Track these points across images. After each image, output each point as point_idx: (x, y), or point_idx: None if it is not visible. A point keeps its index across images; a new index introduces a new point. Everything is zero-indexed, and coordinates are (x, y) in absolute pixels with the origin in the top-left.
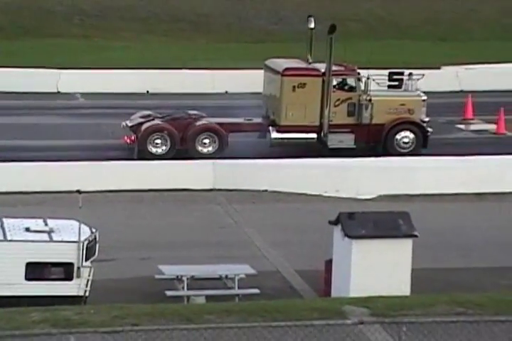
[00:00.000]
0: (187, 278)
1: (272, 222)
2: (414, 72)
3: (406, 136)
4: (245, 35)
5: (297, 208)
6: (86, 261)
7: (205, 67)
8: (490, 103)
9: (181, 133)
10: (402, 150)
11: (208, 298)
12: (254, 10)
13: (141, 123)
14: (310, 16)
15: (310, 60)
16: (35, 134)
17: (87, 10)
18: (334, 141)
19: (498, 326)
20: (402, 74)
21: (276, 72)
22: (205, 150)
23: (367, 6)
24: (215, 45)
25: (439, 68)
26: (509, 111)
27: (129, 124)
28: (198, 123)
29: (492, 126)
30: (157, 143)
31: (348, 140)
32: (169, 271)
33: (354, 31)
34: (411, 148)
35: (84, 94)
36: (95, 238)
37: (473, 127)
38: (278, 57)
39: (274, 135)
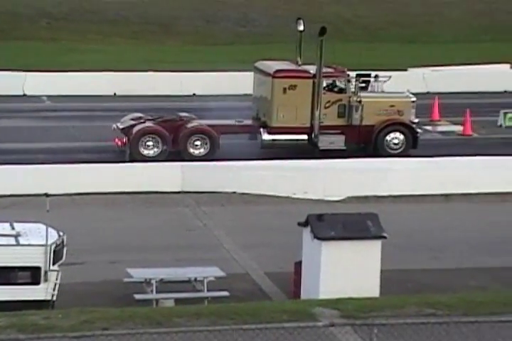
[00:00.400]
0: (156, 281)
1: (240, 224)
2: (381, 73)
3: (396, 137)
4: (214, 37)
5: (266, 210)
6: (53, 264)
7: (173, 69)
8: (456, 104)
9: (173, 135)
10: (392, 151)
11: (177, 301)
12: (223, 12)
13: (133, 126)
14: (299, 19)
15: (300, 62)
16: (2, 137)
17: (54, 13)
18: (325, 142)
19: (467, 327)
20: (369, 76)
21: (267, 74)
22: (196, 152)
23: (334, 8)
24: (183, 48)
25: (405, 70)
26: (475, 113)
27: (120, 127)
28: (190, 125)
29: (459, 128)
30: (148, 145)
31: (338, 141)
32: (138, 274)
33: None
34: (401, 149)
35: (50, 97)
36: (63, 241)
37: (440, 128)
38: (248, 60)
39: (265, 136)
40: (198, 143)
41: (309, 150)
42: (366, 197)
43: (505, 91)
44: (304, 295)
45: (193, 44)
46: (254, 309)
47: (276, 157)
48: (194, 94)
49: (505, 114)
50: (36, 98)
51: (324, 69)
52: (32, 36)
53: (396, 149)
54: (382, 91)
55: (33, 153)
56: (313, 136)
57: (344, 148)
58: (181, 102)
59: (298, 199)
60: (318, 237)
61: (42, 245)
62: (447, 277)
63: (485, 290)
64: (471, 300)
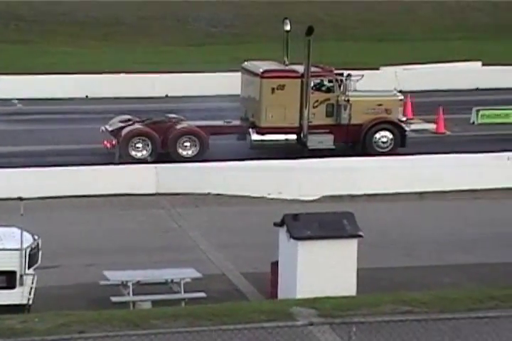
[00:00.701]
0: (132, 284)
1: (216, 225)
2: (353, 72)
3: (384, 136)
4: (185, 38)
5: (241, 211)
6: (29, 268)
7: (146, 70)
8: (429, 102)
9: (162, 136)
10: (381, 150)
11: (154, 302)
12: (194, 13)
13: (122, 128)
14: (286, 19)
15: (287, 62)
16: None
17: (23, 15)
18: (314, 141)
19: (445, 324)
20: (341, 74)
21: (255, 75)
22: (186, 153)
23: (306, 7)
24: (155, 49)
25: (377, 69)
26: (448, 111)
27: (109, 129)
28: (179, 126)
29: (432, 126)
30: (138, 147)
31: (327, 140)
32: (114, 276)
33: (293, 33)
34: (389, 148)
35: (22, 100)
36: (38, 245)
37: (413, 127)
38: (217, 60)
39: (255, 137)
40: (187, 144)
41: (298, 150)
42: (341, 197)
43: (477, 89)
44: (281, 295)
45: (164, 45)
46: (232, 309)
47: (266, 157)
48: (167, 96)
49: (478, 111)
50: (7, 101)
51: (312, 69)
52: (1, 39)
53: (385, 148)
54: (370, 90)
55: (5, 157)
56: (302, 135)
57: (333, 147)
58: (155, 104)
59: (273, 199)
60: (295, 237)
61: (17, 249)
62: (422, 274)
63: (459, 287)
64: (446, 297)
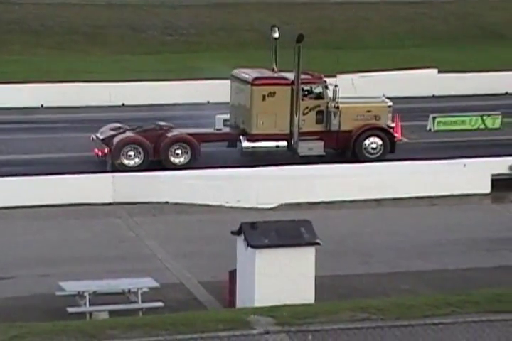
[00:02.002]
0: (89, 294)
1: (173, 234)
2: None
3: (374, 142)
4: (141, 46)
5: (199, 219)
6: None
7: (101, 79)
8: None
9: (153, 144)
10: (371, 156)
11: (112, 313)
12: (149, 21)
13: (113, 136)
14: (274, 26)
15: (276, 69)
16: None
17: None
18: (304, 148)
19: (401, 330)
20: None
21: (246, 82)
22: (177, 160)
23: (260, 15)
24: (110, 57)
25: (334, 76)
26: (405, 118)
27: (100, 137)
28: (170, 134)
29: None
30: (130, 155)
31: (317, 147)
32: (70, 287)
33: (248, 41)
34: (379, 154)
35: None
36: None
37: None
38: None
39: (245, 144)
40: (179, 151)
41: (289, 157)
42: (299, 204)
43: (434, 96)
44: (239, 304)
45: (119, 53)
46: (189, 319)
47: (257, 164)
48: (123, 105)
49: (434, 118)
50: None
51: (302, 76)
52: None
53: (374, 154)
54: (359, 97)
55: None
56: (292, 142)
57: (323, 153)
58: (111, 113)
59: (231, 207)
60: (252, 245)
61: None
62: (379, 281)
63: (416, 293)
64: (403, 304)
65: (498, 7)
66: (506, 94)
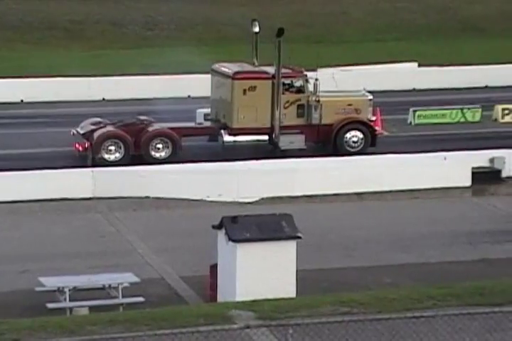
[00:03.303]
0: (69, 290)
1: (154, 229)
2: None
3: (355, 136)
4: (121, 41)
5: (180, 214)
6: None
7: (81, 74)
8: None
9: (134, 138)
10: (352, 150)
11: (92, 308)
12: (129, 16)
13: (94, 130)
14: (254, 20)
15: (256, 63)
16: None
17: None
18: (285, 142)
19: (382, 324)
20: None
21: (227, 76)
22: (158, 155)
23: (240, 10)
24: (90, 52)
25: (315, 70)
26: (385, 111)
27: (81, 132)
28: (151, 128)
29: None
30: (111, 150)
31: (298, 141)
32: (50, 282)
33: (229, 36)
34: (360, 147)
35: None
36: None
37: None
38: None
39: (227, 138)
40: (159, 146)
41: (270, 151)
42: (280, 198)
43: (414, 90)
44: (220, 298)
45: (99, 48)
46: (170, 314)
47: (239, 158)
48: (103, 99)
49: (415, 111)
50: None
51: (282, 70)
52: None
53: (355, 147)
54: (339, 90)
55: None
56: (273, 136)
57: (304, 147)
58: (91, 107)
59: (212, 202)
60: (233, 239)
61: None
62: (362, 275)
63: (398, 286)
64: (384, 297)
65: (476, 1)
66: (486, 87)
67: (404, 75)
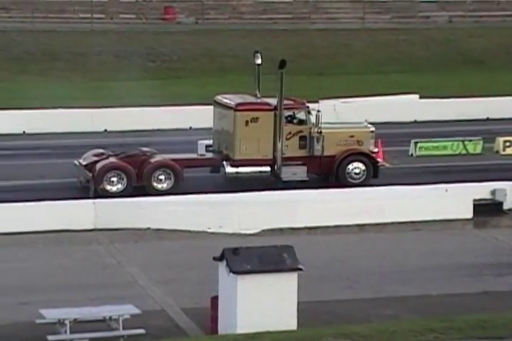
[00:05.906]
0: (69, 321)
1: (155, 261)
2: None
3: (357, 167)
4: (123, 73)
5: (181, 245)
6: None
7: (83, 105)
8: None
9: (137, 170)
10: (354, 181)
11: (93, 340)
12: (132, 47)
13: (96, 162)
14: (257, 52)
15: (258, 95)
16: None
17: None
18: (288, 173)
19: None
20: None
21: (229, 108)
22: (160, 186)
23: (242, 42)
24: (92, 84)
25: (317, 102)
26: (387, 143)
27: (83, 163)
28: (153, 160)
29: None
30: (113, 181)
31: (300, 172)
32: (50, 314)
33: (231, 67)
34: (362, 179)
35: None
36: None
37: None
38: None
39: (229, 169)
40: (162, 177)
41: (273, 182)
42: (281, 230)
43: (415, 121)
44: (221, 331)
45: (102, 80)
46: None
47: (241, 189)
48: (106, 131)
49: (416, 143)
50: None
51: (284, 102)
52: None
53: (357, 179)
54: (341, 122)
55: None
56: (276, 167)
57: (306, 178)
58: (93, 139)
59: (213, 233)
60: (234, 271)
61: None
62: (363, 307)
63: (400, 319)
64: (386, 330)
65: (476, 34)
66: (487, 119)
67: (405, 107)
